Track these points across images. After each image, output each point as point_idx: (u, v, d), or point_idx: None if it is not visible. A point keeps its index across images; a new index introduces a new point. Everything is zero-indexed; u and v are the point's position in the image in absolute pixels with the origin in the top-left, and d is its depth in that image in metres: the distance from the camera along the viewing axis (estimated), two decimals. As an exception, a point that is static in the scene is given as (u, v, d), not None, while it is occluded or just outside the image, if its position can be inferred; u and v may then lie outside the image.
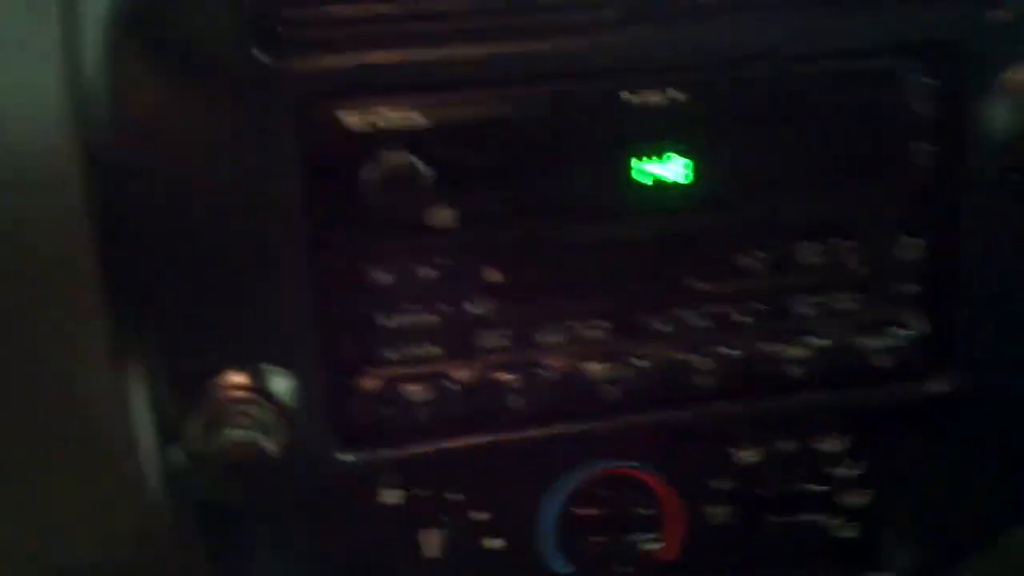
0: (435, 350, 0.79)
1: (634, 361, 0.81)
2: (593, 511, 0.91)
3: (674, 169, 0.77)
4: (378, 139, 0.73)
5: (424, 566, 0.89)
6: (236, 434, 0.71)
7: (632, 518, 0.91)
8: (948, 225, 0.81)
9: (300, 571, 0.88)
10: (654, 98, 0.76)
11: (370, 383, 0.79)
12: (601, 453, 0.90)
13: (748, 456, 0.92)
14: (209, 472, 0.71)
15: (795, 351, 0.82)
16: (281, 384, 0.75)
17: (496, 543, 0.91)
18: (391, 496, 0.88)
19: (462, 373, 0.79)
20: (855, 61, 0.78)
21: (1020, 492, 0.93)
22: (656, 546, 0.92)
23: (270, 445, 0.71)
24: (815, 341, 0.82)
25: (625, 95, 0.76)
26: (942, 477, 0.93)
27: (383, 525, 0.88)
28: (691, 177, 0.78)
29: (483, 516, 0.90)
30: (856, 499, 0.94)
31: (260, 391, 0.74)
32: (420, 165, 0.72)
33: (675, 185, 0.77)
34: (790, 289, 0.82)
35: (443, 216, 0.76)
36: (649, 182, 0.77)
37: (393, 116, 0.73)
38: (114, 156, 0.70)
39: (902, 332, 0.83)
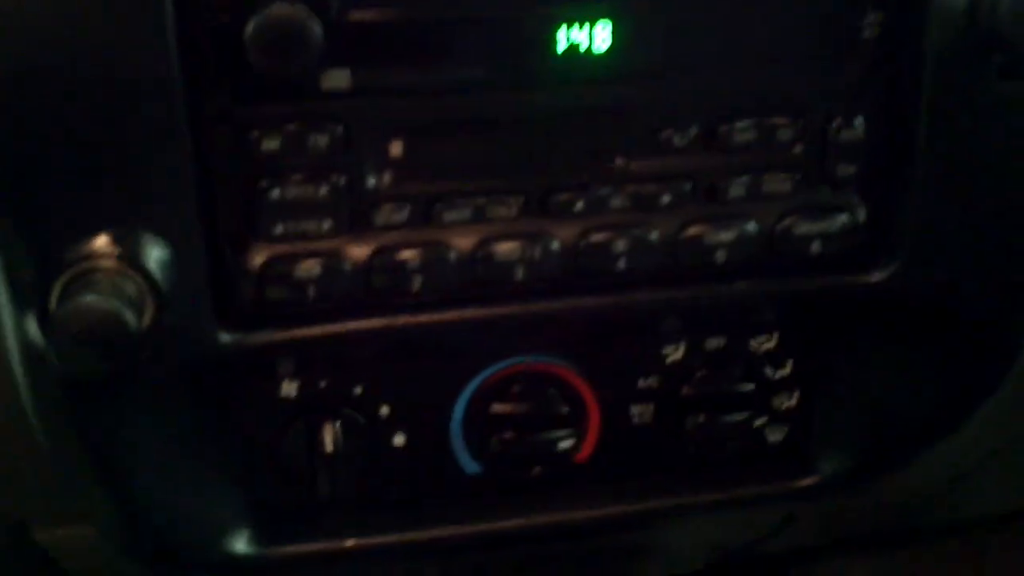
0: (327, 224, 0.72)
1: (548, 241, 0.74)
2: (505, 407, 0.85)
3: (597, 34, 0.71)
4: None
5: (322, 462, 0.83)
6: (93, 301, 0.63)
7: (546, 415, 0.85)
8: (894, 102, 0.76)
9: (186, 463, 0.81)
10: None
11: (255, 258, 0.72)
12: (514, 343, 0.84)
13: (672, 351, 0.86)
14: (64, 343, 0.64)
15: (723, 235, 0.76)
16: (152, 254, 0.68)
17: (400, 439, 0.85)
18: (284, 384, 0.81)
19: (357, 250, 0.73)
20: None
21: (957, 396, 0.88)
22: (570, 445, 0.86)
23: (132, 318, 0.63)
24: (745, 225, 0.76)
25: None
26: (876, 377, 0.88)
27: (276, 416, 0.82)
28: (614, 43, 0.71)
29: (386, 410, 0.84)
30: (785, 399, 0.89)
31: (128, 260, 0.67)
32: (311, 21, 0.65)
33: (596, 52, 0.71)
34: (719, 168, 0.76)
35: (336, 79, 0.69)
36: (567, 48, 0.71)
37: None
38: None
39: (838, 217, 0.77)
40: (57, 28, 0.64)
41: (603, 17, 0.70)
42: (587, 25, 0.70)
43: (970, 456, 0.94)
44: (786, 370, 0.88)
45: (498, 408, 0.85)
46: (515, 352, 0.84)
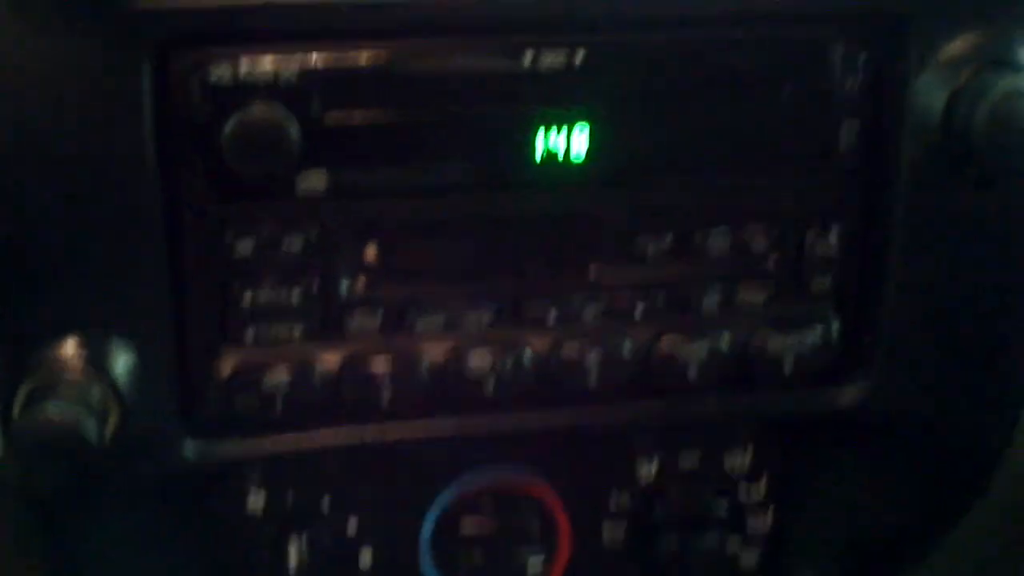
0: (299, 331, 0.71)
1: (520, 352, 0.73)
2: (474, 524, 0.83)
3: (572, 141, 0.71)
4: (242, 91, 0.65)
5: (287, 578, 0.81)
6: (54, 410, 0.62)
7: (517, 534, 0.84)
8: (869, 213, 0.76)
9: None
10: (552, 59, 0.69)
11: (224, 365, 0.71)
12: (485, 458, 0.82)
13: (644, 468, 0.85)
14: (25, 454, 0.62)
15: (696, 348, 0.75)
16: (120, 360, 0.67)
17: (367, 555, 0.83)
18: (250, 496, 0.79)
19: (328, 358, 0.72)
20: (778, 29, 0.72)
21: (935, 514, 0.87)
22: (540, 566, 0.84)
23: (93, 428, 0.62)
24: (718, 338, 0.75)
25: (521, 54, 0.69)
26: (852, 496, 0.87)
27: (242, 529, 0.80)
28: (588, 150, 0.71)
29: (353, 525, 0.82)
30: (760, 519, 0.87)
31: (94, 365, 0.65)
32: (289, 122, 0.65)
33: (570, 158, 0.71)
34: (693, 278, 0.75)
35: (313, 181, 0.68)
36: (542, 154, 0.71)
37: (259, 66, 0.66)
38: None
39: (812, 331, 0.77)
40: (30, 114, 0.64)
41: (581, 120, 0.70)
42: (565, 128, 0.70)
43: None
44: (760, 489, 0.87)
45: (468, 525, 0.83)
46: (486, 466, 0.83)
